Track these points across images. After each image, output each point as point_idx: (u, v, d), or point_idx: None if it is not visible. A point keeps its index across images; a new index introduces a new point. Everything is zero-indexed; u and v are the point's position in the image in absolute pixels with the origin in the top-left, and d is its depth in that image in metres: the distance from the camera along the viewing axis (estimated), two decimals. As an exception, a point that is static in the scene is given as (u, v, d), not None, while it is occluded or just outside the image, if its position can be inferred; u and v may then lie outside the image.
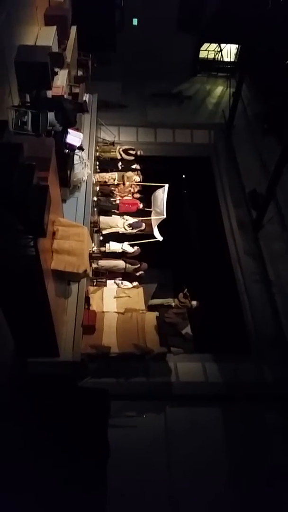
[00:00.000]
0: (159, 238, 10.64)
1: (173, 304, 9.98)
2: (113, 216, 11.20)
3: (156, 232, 10.78)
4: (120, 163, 12.29)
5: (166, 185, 11.05)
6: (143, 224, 11.02)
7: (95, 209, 11.15)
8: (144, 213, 11.33)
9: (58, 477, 6.84)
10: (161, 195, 11.02)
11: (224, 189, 13.32)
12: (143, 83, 15.19)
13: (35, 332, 7.25)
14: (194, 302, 9.79)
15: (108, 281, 10.14)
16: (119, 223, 10.98)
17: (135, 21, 15.05)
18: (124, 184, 11.83)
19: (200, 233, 12.89)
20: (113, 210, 11.36)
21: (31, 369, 7.93)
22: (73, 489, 6.90)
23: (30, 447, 6.88)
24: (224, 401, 9.21)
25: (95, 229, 10.78)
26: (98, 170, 12.05)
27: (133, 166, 12.26)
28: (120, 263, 10.22)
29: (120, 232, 10.99)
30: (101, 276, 10.23)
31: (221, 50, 16.10)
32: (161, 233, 10.75)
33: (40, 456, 6.87)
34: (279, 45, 12.17)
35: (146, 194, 11.67)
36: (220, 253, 12.11)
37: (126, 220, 11.01)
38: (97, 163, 12.14)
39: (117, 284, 10.08)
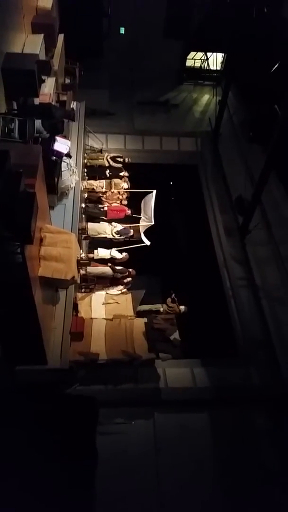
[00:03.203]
0: (147, 242, 10.69)
1: (161, 309, 10.00)
2: (101, 222, 11.23)
3: (143, 237, 10.84)
4: (108, 170, 12.36)
5: (154, 191, 11.14)
6: (131, 231, 11.06)
7: (83, 216, 11.18)
8: (132, 219, 11.39)
9: (46, 485, 6.79)
10: (149, 201, 11.11)
11: (211, 196, 13.47)
12: (130, 91, 15.34)
13: (23, 340, 7.21)
14: (182, 307, 9.83)
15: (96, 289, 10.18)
16: (107, 230, 11.01)
17: (122, 30, 15.22)
18: (112, 191, 11.89)
19: (188, 239, 12.99)
20: (101, 217, 11.39)
21: (19, 377, 7.87)
22: (61, 497, 6.84)
23: (17, 455, 6.83)
24: (213, 406, 9.23)
25: (83, 235, 10.80)
26: (86, 177, 12.10)
27: (121, 173, 12.34)
28: (108, 270, 10.23)
29: (108, 238, 11.02)
30: (89, 282, 10.23)
31: (207, 59, 16.35)
32: (149, 240, 10.81)
33: (27, 464, 6.81)
34: (264, 54, 12.40)
35: (134, 201, 11.74)
36: (208, 258, 12.21)
37: (114, 227, 11.05)
38: (85, 170, 12.19)
39: (106, 291, 10.12)
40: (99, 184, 12.00)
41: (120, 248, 10.70)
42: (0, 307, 6.58)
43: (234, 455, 8.59)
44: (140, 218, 11.41)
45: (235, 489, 8.15)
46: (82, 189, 11.21)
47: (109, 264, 10.24)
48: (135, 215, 11.44)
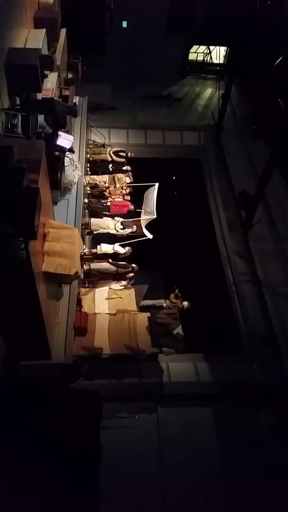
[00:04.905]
0: (149, 236, 10.68)
1: (164, 304, 10.00)
2: (104, 217, 11.22)
3: (146, 231, 10.82)
4: (110, 165, 12.31)
5: (156, 184, 11.10)
6: (135, 226, 11.05)
7: (86, 211, 11.18)
8: (135, 214, 11.35)
9: (50, 480, 6.84)
10: (151, 194, 11.08)
11: (214, 190, 13.42)
12: (133, 85, 15.25)
13: (27, 335, 7.25)
14: (185, 303, 9.83)
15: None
16: (110, 224, 10.99)
17: (124, 24, 15.11)
18: (115, 185, 11.88)
19: (191, 234, 12.97)
20: (104, 212, 11.38)
21: (23, 372, 7.93)
22: (65, 492, 6.90)
23: (21, 450, 6.88)
24: (216, 401, 9.27)
25: (86, 230, 10.80)
26: (89, 172, 12.08)
27: (124, 168, 12.30)
28: (111, 266, 10.23)
29: (111, 233, 11.02)
30: (92, 277, 10.25)
31: (210, 52, 16.22)
32: (152, 234, 10.78)
33: (31, 459, 6.86)
34: (267, 47, 12.32)
35: (137, 196, 11.70)
36: (211, 253, 12.20)
37: (117, 221, 11.04)
38: (88, 165, 12.17)
39: (109, 286, 10.14)
40: (102, 179, 11.97)
41: (123, 243, 10.70)
42: (4, 302, 6.61)
43: (237, 450, 8.63)
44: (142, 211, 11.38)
45: (238, 484, 8.19)
46: (85, 184, 11.20)
47: (109, 260, 10.24)
48: (138, 210, 11.42)
